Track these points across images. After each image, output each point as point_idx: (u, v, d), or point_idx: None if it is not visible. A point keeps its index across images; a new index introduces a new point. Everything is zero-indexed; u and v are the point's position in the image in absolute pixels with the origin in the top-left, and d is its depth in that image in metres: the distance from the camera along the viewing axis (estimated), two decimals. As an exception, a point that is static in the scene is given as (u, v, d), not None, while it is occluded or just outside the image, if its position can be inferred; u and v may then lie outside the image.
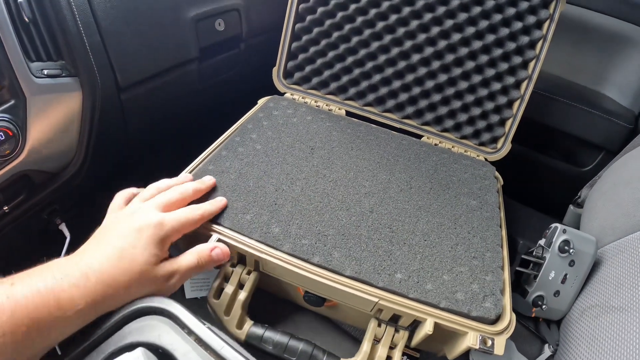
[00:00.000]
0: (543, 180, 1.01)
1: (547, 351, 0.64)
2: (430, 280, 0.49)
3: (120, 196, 0.49)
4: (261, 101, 0.72)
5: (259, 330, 0.50)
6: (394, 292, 0.47)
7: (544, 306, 0.64)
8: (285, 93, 0.77)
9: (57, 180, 0.61)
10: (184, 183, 0.52)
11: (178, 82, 0.72)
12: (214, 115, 0.80)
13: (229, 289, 0.51)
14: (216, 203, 0.51)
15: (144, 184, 0.52)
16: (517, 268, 0.66)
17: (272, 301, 0.60)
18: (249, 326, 0.51)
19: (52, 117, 0.55)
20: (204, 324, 0.50)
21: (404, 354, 0.57)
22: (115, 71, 0.60)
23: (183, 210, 0.47)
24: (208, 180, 0.54)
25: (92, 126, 0.59)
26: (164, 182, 0.51)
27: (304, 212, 0.53)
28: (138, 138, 0.71)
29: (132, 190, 0.50)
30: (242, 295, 0.51)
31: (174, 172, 0.55)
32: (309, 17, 0.73)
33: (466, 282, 0.50)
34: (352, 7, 0.70)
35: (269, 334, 0.50)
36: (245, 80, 0.89)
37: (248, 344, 0.51)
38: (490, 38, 0.68)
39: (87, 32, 0.55)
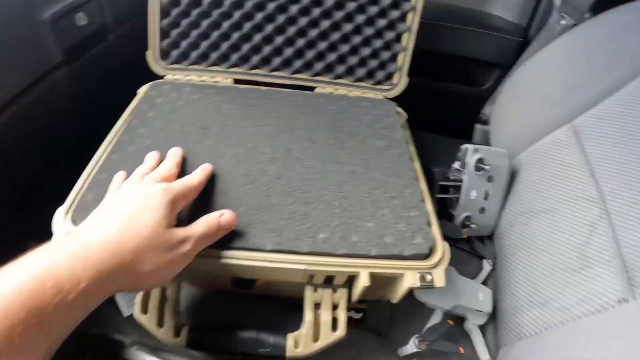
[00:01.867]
0: (446, 106, 1.02)
1: (487, 266, 0.66)
2: (354, 231, 0.47)
3: (118, 177, 0.48)
4: (142, 90, 0.66)
5: (197, 332, 0.47)
6: (320, 254, 0.45)
7: (473, 225, 0.66)
8: (165, 75, 0.71)
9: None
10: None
11: (48, 93, 0.63)
12: (99, 116, 0.73)
13: (154, 298, 0.47)
14: (205, 169, 0.50)
15: (47, 212, 0.46)
16: (438, 195, 0.66)
17: (203, 296, 0.57)
18: (186, 331, 0.47)
19: None
20: (133, 347, 0.47)
21: (350, 309, 0.56)
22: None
23: (182, 179, 0.46)
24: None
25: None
26: (151, 158, 0.50)
27: (209, 196, 0.49)
28: (24, 167, 0.63)
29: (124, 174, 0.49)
30: (169, 301, 0.47)
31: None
32: (174, -11, 0.66)
33: (391, 223, 0.48)
34: (218, -33, 0.65)
35: (210, 332, 0.48)
36: (124, 72, 0.81)
37: (192, 348, 0.48)
38: (368, -25, 0.66)
39: None
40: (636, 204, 0.48)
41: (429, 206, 0.52)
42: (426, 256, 0.47)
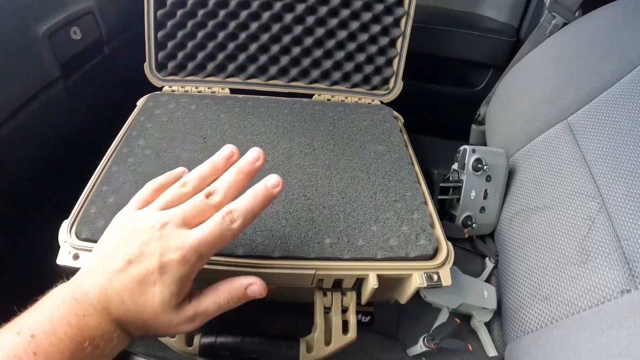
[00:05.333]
0: (441, 108, 1.04)
1: (490, 264, 0.67)
2: (360, 235, 0.48)
3: (144, 194, 0.39)
4: (140, 102, 0.67)
5: (210, 340, 0.47)
6: (328, 259, 0.46)
7: (474, 225, 0.66)
8: (163, 87, 0.71)
9: None
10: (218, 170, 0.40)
11: (47, 107, 0.64)
12: (97, 129, 0.73)
13: (162, 308, 0.47)
14: (258, 193, 0.37)
15: (48, 231, 0.46)
16: (439, 197, 0.67)
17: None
18: (198, 339, 0.47)
19: None
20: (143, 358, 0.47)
21: (358, 312, 0.57)
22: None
23: (214, 224, 0.35)
24: (255, 153, 0.39)
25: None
26: (176, 178, 0.40)
27: None
28: (21, 182, 0.63)
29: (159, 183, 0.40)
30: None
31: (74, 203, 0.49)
32: (169, 1, 0.67)
33: (395, 226, 0.49)
34: (212, -22, 0.65)
35: (222, 340, 0.48)
36: (120, 84, 0.82)
37: (204, 357, 0.48)
38: (360, -18, 0.67)
39: None
40: (632, 197, 0.49)
41: (431, 208, 0.53)
42: (431, 257, 0.47)
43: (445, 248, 0.48)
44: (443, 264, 0.47)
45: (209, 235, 0.34)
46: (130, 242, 0.34)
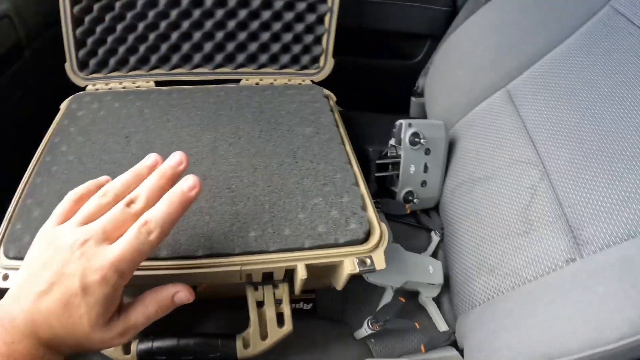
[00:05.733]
0: (380, 82, 1.02)
1: (435, 237, 0.67)
2: (286, 225, 0.46)
3: (64, 206, 0.37)
4: (63, 105, 0.63)
5: (146, 345, 0.46)
6: (253, 253, 0.44)
7: (415, 200, 0.66)
8: (87, 86, 0.68)
9: None
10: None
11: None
12: (25, 139, 0.70)
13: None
14: (174, 199, 0.35)
15: None
16: (377, 174, 0.66)
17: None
18: (135, 346, 0.46)
19: None
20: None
21: (299, 300, 0.56)
22: None
23: (131, 238, 0.34)
24: (177, 157, 0.38)
25: None
26: (94, 189, 0.38)
27: None
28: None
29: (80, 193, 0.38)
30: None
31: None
32: (85, -5, 0.63)
33: (324, 212, 0.48)
34: (126, -31, 0.62)
35: (158, 344, 0.46)
36: (46, 88, 0.78)
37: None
38: (282, -41, 0.64)
39: None
40: (574, 163, 0.49)
41: (363, 189, 0.51)
42: (363, 240, 0.46)
43: (378, 230, 0.47)
44: (376, 247, 0.46)
45: (126, 252, 0.33)
46: (52, 262, 0.33)
